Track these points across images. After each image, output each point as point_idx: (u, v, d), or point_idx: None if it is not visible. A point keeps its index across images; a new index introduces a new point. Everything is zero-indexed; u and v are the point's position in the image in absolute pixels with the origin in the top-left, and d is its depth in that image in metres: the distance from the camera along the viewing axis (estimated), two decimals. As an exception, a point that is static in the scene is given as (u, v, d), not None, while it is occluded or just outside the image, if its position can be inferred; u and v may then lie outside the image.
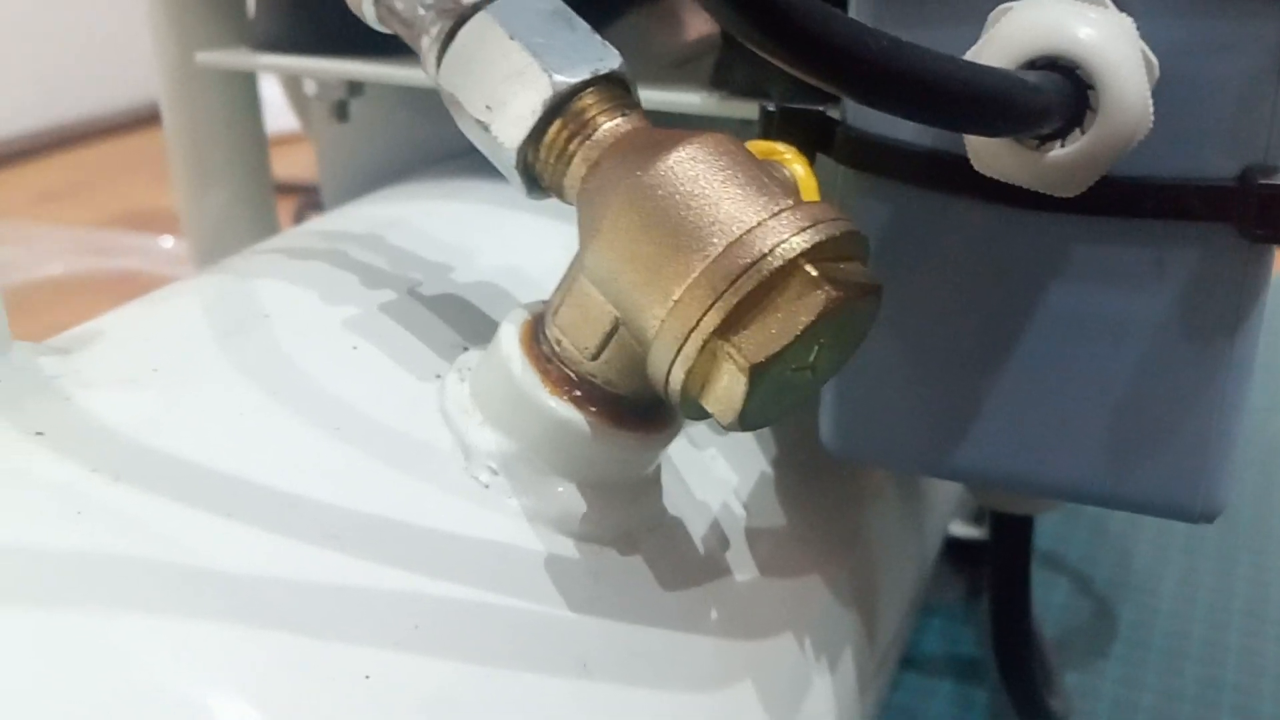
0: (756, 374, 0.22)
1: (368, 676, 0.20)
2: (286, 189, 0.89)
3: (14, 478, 0.21)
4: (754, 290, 0.21)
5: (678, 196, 0.23)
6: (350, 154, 0.43)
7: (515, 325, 0.25)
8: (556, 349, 0.25)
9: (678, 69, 0.37)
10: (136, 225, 1.09)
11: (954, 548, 0.58)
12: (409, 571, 0.22)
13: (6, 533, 0.20)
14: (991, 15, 0.25)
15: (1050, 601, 0.60)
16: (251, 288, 0.29)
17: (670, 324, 0.22)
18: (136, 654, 0.19)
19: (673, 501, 0.28)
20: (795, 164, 0.27)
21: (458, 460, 0.25)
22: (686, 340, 0.22)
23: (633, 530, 0.26)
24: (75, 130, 1.41)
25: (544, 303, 0.26)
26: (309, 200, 0.93)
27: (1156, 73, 0.24)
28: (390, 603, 0.22)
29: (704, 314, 0.22)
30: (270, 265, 0.31)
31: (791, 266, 0.22)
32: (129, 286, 0.98)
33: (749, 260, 0.22)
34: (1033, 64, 0.22)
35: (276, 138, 0.51)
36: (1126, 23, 0.23)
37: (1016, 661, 0.43)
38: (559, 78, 0.24)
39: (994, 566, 0.42)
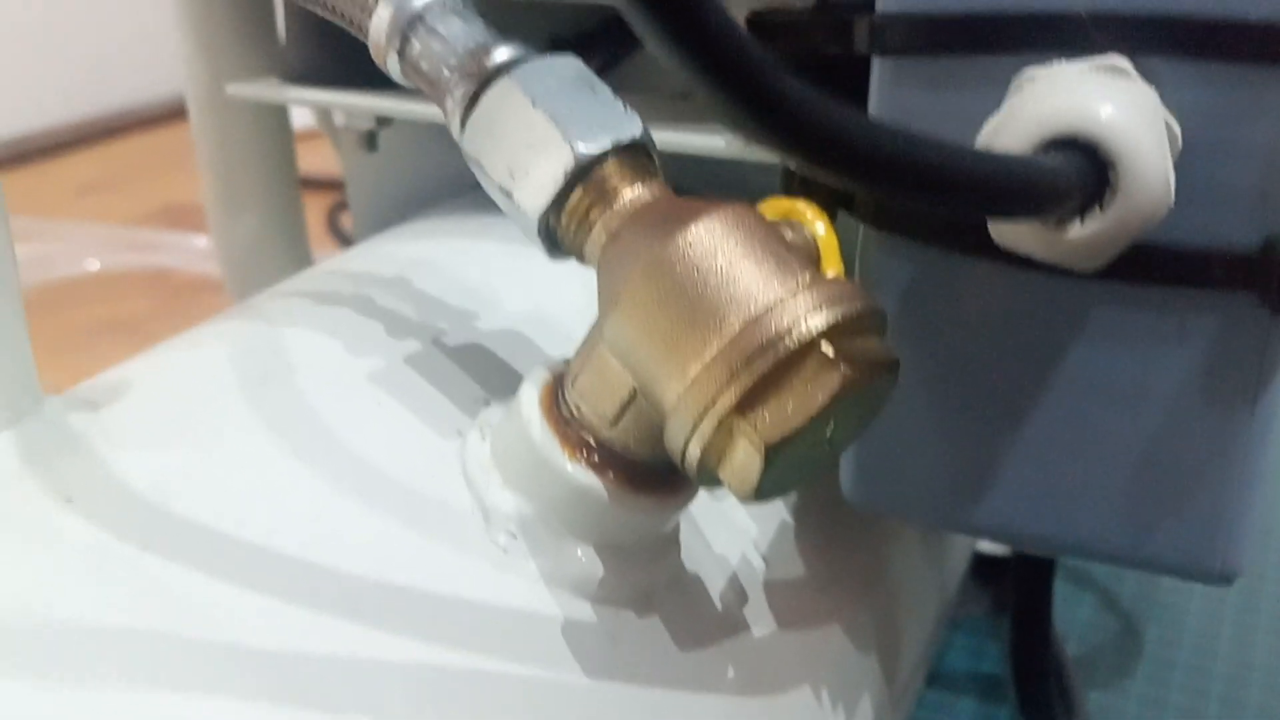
0: (772, 453, 0.22)
1: (384, 754, 0.21)
2: (317, 184, 0.89)
3: (46, 547, 0.22)
4: (770, 370, 0.22)
5: (695, 272, 0.23)
6: (379, 183, 0.44)
7: (536, 387, 0.26)
8: (576, 414, 0.25)
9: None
10: (175, 219, 1.10)
11: (980, 563, 0.58)
12: (427, 642, 0.23)
13: (37, 605, 0.20)
14: (1014, 81, 0.25)
15: (1075, 618, 0.60)
16: (277, 336, 0.30)
17: (686, 401, 0.22)
18: (160, 734, 0.19)
19: (691, 555, 0.28)
20: (816, 223, 0.27)
21: (477, 522, 0.25)
22: (703, 418, 0.22)
23: (651, 589, 0.26)
24: (115, 122, 1.42)
25: (566, 361, 0.26)
26: (342, 199, 0.94)
27: (1179, 143, 0.24)
28: (407, 677, 0.22)
29: (720, 393, 0.22)
30: (296, 311, 0.31)
31: (808, 346, 0.22)
32: (165, 283, 0.99)
33: (765, 340, 0.22)
34: (1053, 142, 0.22)
35: (305, 133, 0.51)
36: (1149, 95, 0.23)
37: (1034, 690, 0.43)
38: (580, 147, 0.24)
39: (1015, 599, 0.42)
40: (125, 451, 0.25)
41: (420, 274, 0.33)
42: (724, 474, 0.23)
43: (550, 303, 0.33)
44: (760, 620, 0.29)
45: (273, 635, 0.21)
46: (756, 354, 0.22)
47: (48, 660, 0.20)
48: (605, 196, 0.25)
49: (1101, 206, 0.22)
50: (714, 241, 0.23)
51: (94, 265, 0.99)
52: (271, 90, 0.39)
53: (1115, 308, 0.26)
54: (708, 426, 0.22)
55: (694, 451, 0.23)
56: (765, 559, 0.30)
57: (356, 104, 0.38)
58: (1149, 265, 0.25)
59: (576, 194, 0.25)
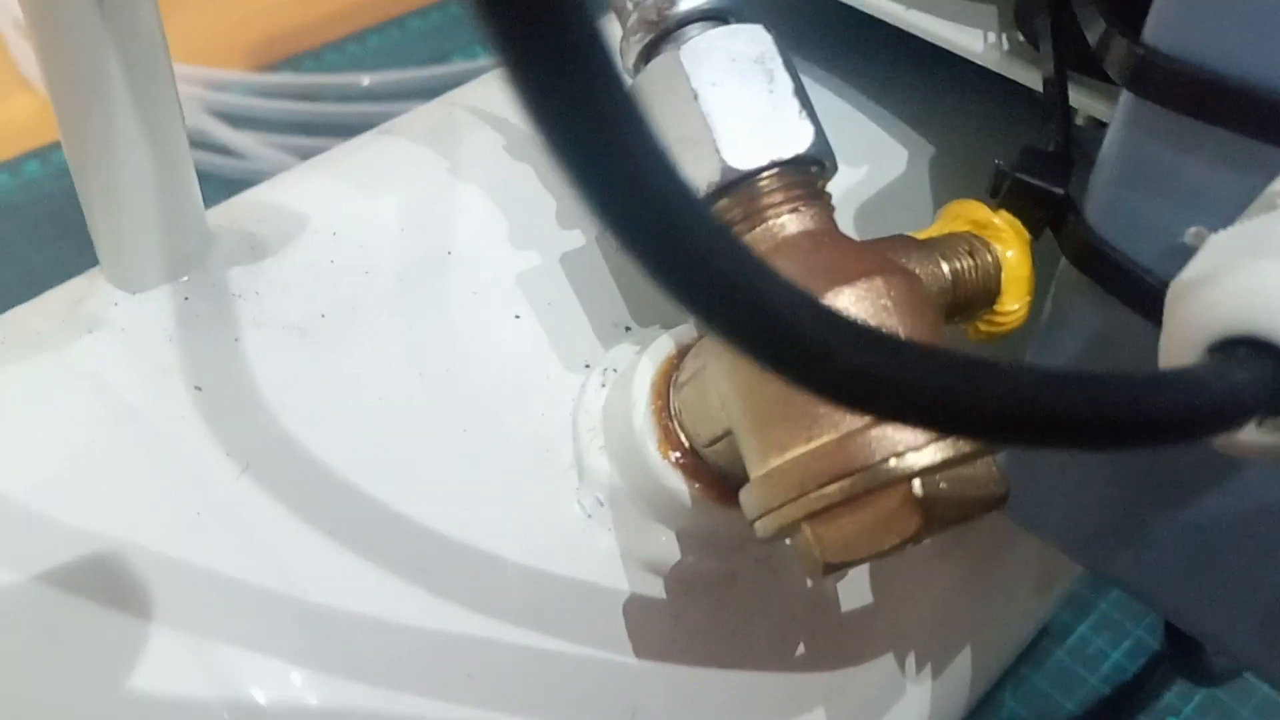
0: (831, 568, 0.21)
1: (407, 732, 0.23)
2: None
3: (159, 454, 0.24)
4: (844, 500, 0.20)
5: (803, 359, 0.21)
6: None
7: (654, 364, 0.25)
8: (679, 416, 0.24)
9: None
10: None
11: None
12: (483, 613, 0.24)
13: (134, 526, 0.23)
14: (1269, 189, 0.20)
15: None
16: (450, 198, 0.29)
17: (758, 488, 0.21)
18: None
19: (795, 527, 0.27)
20: (1010, 248, 0.24)
21: (571, 480, 0.26)
22: (768, 513, 0.21)
23: (735, 571, 0.26)
24: None
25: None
26: None
27: None
28: (453, 648, 0.23)
29: (787, 502, 0.21)
30: (477, 160, 0.30)
31: (898, 480, 0.20)
32: None
33: (845, 470, 0.20)
34: (1244, 340, 0.18)
35: None
36: None
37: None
38: (731, 162, 0.22)
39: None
40: (264, 337, 0.26)
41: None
42: (792, 547, 0.22)
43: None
44: (853, 592, 0.29)
45: (338, 595, 0.23)
46: (833, 479, 0.20)
47: (118, 591, 0.22)
48: (750, 216, 0.22)
49: (1283, 420, 0.19)
50: (833, 327, 0.21)
51: None
52: None
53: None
54: (771, 523, 0.21)
55: (760, 529, 0.22)
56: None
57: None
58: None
59: (723, 204, 0.22)
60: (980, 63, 0.29)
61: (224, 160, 0.67)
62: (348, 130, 0.48)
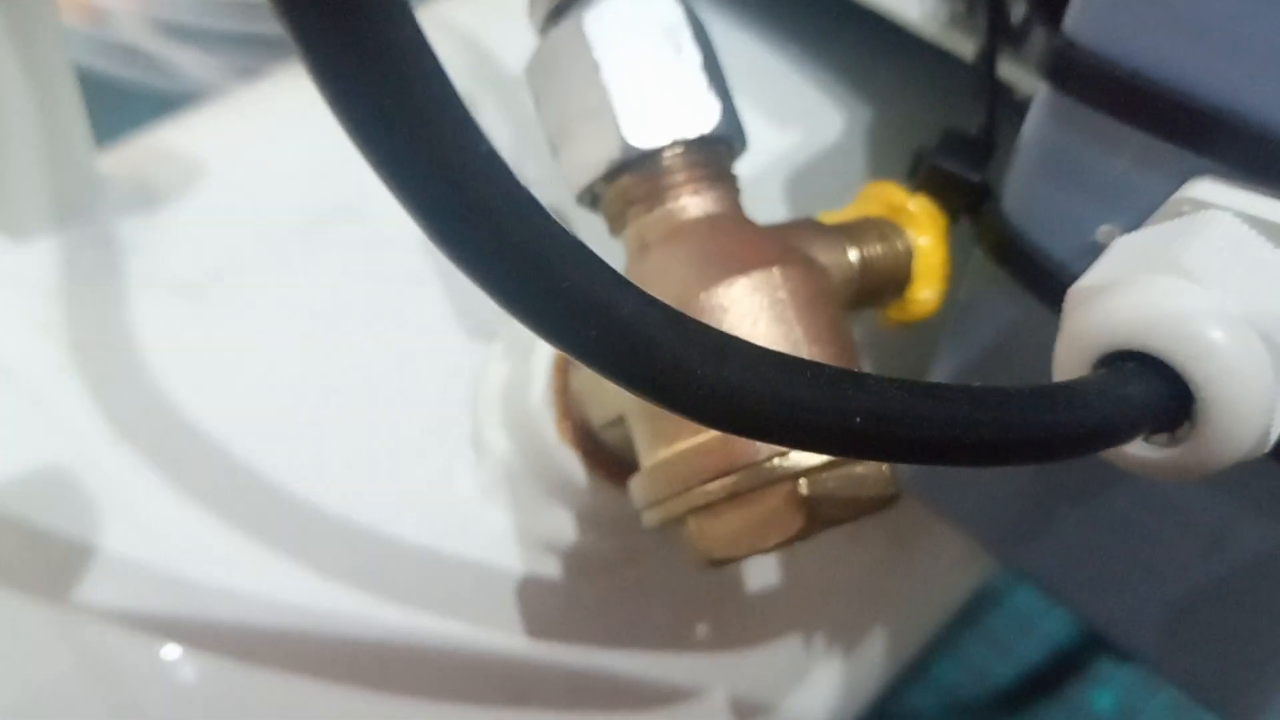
0: (716, 563, 0.20)
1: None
2: None
3: (31, 416, 0.23)
4: (727, 498, 0.20)
5: (693, 351, 0.20)
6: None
7: (557, 339, 0.24)
8: (577, 396, 0.24)
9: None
10: None
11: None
12: (367, 591, 0.23)
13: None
14: (1178, 194, 0.19)
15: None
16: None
17: (645, 479, 0.21)
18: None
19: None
20: (924, 234, 0.23)
21: (467, 456, 0.25)
22: (654, 505, 0.21)
23: (636, 550, 0.26)
24: None
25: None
26: None
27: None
28: (333, 627, 0.23)
29: (672, 496, 0.20)
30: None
31: (782, 479, 0.19)
32: None
33: (729, 467, 0.19)
34: (1138, 355, 0.18)
35: None
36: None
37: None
38: (632, 140, 0.21)
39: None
40: (152, 293, 0.25)
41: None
42: (680, 539, 0.21)
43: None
44: (760, 573, 0.28)
45: (213, 575, 0.22)
46: (717, 475, 0.20)
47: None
48: (650, 196, 0.21)
49: (1174, 436, 0.18)
50: (724, 318, 0.20)
51: None
52: None
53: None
54: (656, 515, 0.21)
55: (646, 520, 0.21)
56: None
57: None
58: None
59: (623, 181, 0.22)
60: (914, 31, 0.28)
61: (163, 78, 0.65)
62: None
